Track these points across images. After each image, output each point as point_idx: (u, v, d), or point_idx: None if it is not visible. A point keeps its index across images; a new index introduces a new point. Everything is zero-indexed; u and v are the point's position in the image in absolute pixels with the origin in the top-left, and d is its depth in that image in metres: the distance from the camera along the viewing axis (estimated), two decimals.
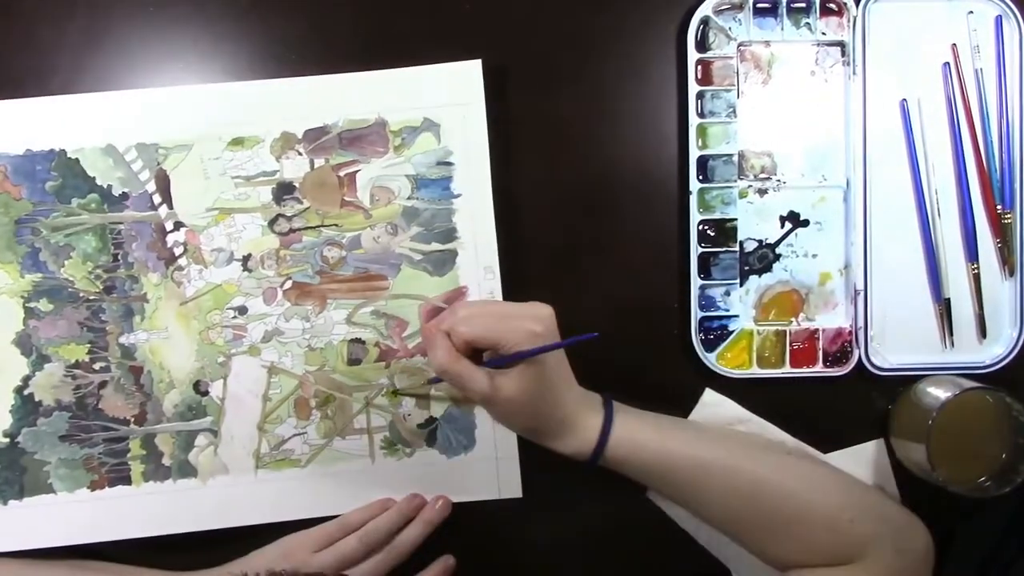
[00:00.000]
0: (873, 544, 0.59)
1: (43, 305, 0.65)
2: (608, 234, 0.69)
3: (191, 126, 0.65)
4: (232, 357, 0.66)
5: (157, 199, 0.66)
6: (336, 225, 0.66)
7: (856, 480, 0.65)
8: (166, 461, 0.66)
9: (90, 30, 0.66)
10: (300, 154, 0.66)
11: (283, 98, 0.66)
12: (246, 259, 0.66)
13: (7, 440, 0.65)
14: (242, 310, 0.66)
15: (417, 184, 0.67)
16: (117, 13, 0.66)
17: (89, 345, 0.66)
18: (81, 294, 0.65)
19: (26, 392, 0.65)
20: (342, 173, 0.66)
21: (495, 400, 0.59)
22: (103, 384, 0.66)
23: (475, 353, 0.60)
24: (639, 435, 0.62)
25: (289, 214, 0.66)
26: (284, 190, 0.66)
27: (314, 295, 0.66)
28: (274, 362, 0.66)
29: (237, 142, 0.66)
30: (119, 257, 0.66)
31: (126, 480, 0.66)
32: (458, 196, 0.66)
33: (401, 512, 0.65)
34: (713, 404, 0.69)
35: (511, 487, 0.67)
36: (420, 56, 0.66)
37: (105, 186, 0.65)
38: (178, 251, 0.66)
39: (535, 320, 0.58)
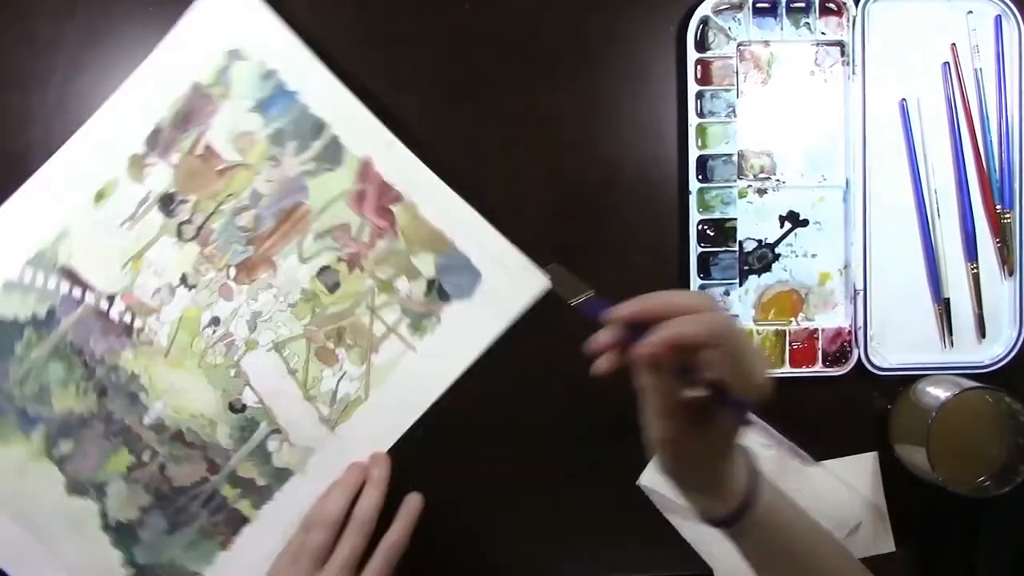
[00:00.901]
0: None
1: (65, 448, 0.66)
2: (607, 234, 0.69)
3: (55, 218, 0.65)
4: (239, 363, 0.66)
5: (77, 292, 0.65)
6: (230, 195, 0.66)
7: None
8: (260, 482, 0.66)
9: (89, 29, 0.66)
10: (154, 163, 0.65)
11: (106, 133, 0.65)
12: (184, 279, 0.66)
13: (134, 569, 0.66)
14: (215, 321, 0.66)
15: (262, 109, 0.66)
16: (116, 12, 0.66)
17: (125, 448, 0.66)
18: (85, 414, 0.66)
19: (112, 523, 0.66)
20: (199, 152, 0.66)
21: (668, 447, 0.49)
22: (162, 467, 0.66)
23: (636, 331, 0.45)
24: (779, 500, 0.53)
25: (186, 216, 0.66)
26: (167, 202, 0.66)
27: (259, 264, 0.66)
28: (274, 340, 0.66)
29: (100, 196, 0.65)
30: (88, 361, 0.65)
31: (243, 520, 0.67)
32: (296, 92, 0.65)
33: (348, 485, 0.64)
34: None
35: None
36: (419, 57, 0.66)
37: (31, 317, 0.65)
38: (127, 318, 0.66)
39: (766, 368, 0.46)
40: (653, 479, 0.68)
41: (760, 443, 0.68)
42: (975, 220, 0.69)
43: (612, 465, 0.68)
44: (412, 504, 0.65)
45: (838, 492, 0.68)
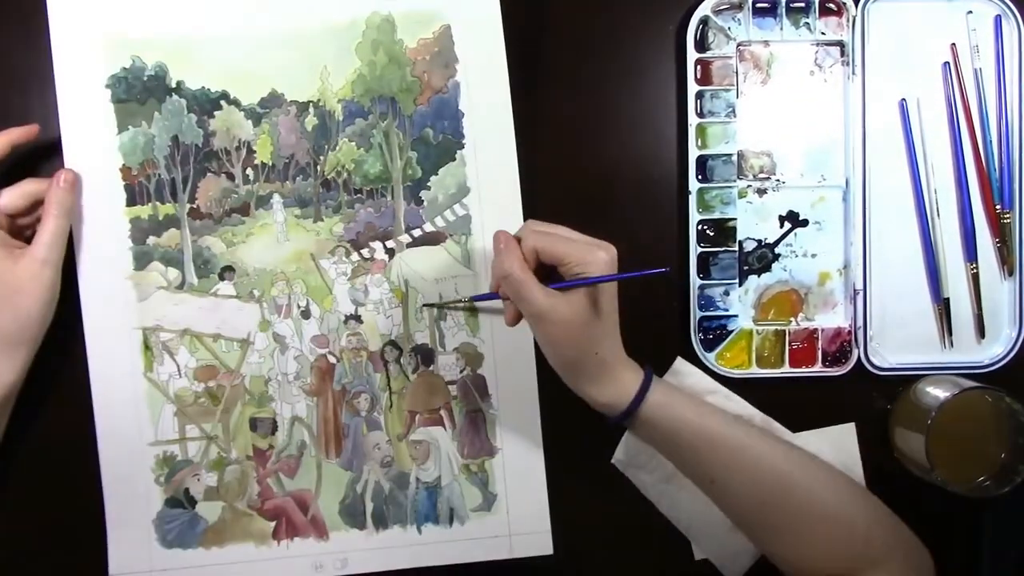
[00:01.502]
0: (885, 556, 0.59)
1: None
2: (608, 234, 0.69)
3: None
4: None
5: None
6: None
7: (869, 492, 0.64)
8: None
9: None
10: None
11: None
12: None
13: None
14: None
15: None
16: None
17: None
18: None
19: None
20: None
21: (548, 319, 0.57)
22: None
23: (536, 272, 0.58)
24: (676, 402, 0.60)
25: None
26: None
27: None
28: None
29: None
30: None
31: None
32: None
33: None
34: (683, 373, 0.69)
35: None
36: None
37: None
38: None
39: (605, 249, 0.57)
40: (627, 454, 0.68)
41: (705, 390, 0.68)
42: (975, 220, 0.69)
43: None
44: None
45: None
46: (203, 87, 0.66)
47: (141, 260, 0.66)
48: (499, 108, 0.67)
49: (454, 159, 0.67)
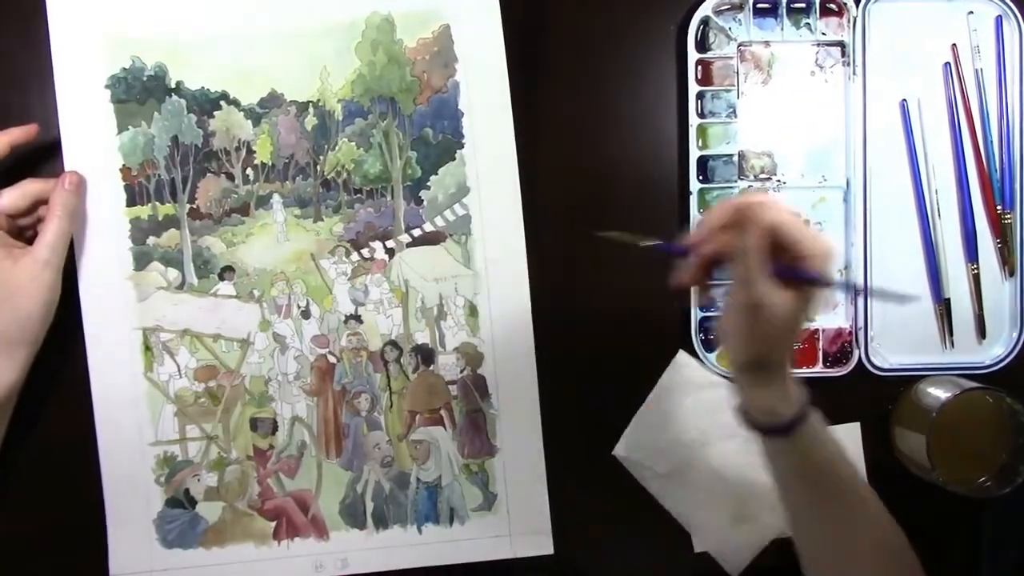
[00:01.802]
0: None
1: None
2: None
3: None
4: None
5: None
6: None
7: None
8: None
9: None
10: None
11: None
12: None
13: None
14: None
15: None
16: None
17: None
18: None
19: None
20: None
21: (762, 310, 0.52)
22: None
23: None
24: (825, 430, 0.57)
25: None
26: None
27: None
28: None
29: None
30: None
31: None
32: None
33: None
34: (685, 366, 0.69)
35: None
36: None
37: None
38: None
39: (831, 249, 0.52)
40: (628, 448, 0.68)
41: (707, 382, 0.68)
42: (975, 220, 0.69)
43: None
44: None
45: None
46: (203, 87, 0.66)
47: (141, 260, 0.66)
48: (499, 108, 0.67)
49: (454, 159, 0.67)
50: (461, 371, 0.68)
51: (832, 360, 0.69)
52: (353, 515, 0.68)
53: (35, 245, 0.61)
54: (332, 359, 0.68)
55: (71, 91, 0.65)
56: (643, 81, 0.69)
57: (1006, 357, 0.69)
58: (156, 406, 0.66)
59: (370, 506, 0.68)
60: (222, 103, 0.66)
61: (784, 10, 0.68)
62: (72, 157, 0.65)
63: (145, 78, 0.66)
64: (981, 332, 0.70)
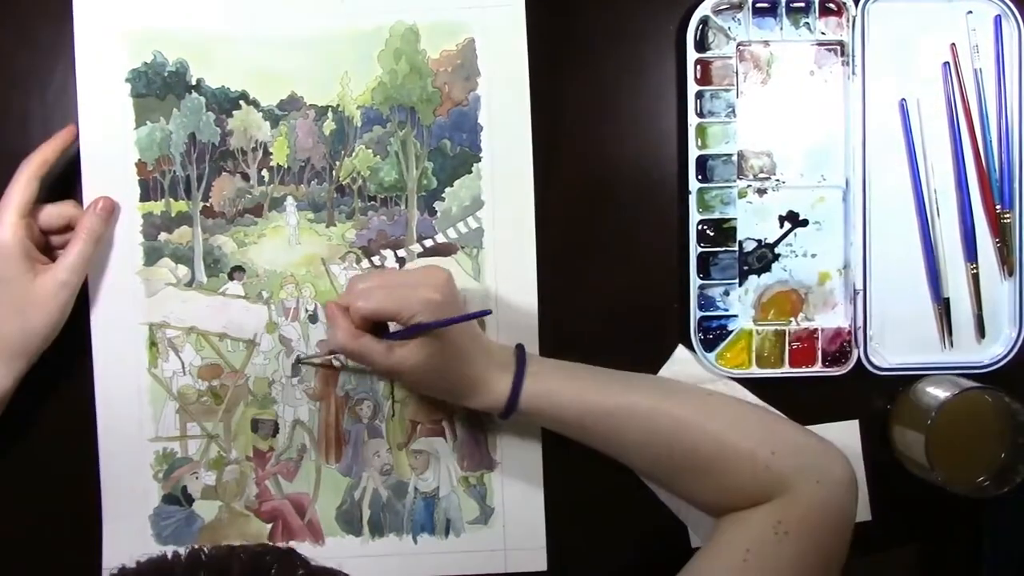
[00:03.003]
0: (794, 478, 0.58)
1: None
2: (607, 234, 0.69)
3: None
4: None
5: None
6: None
7: (776, 416, 0.65)
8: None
9: None
10: None
11: None
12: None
13: None
14: None
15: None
16: None
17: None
18: None
19: None
20: None
21: (401, 370, 0.58)
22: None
23: (377, 325, 0.59)
24: (553, 386, 0.61)
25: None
26: None
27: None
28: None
29: None
30: None
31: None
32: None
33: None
34: (683, 361, 0.69)
35: None
36: None
37: None
38: None
39: (433, 288, 0.57)
40: None
41: (707, 377, 0.68)
42: (975, 220, 0.69)
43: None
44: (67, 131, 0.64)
45: None
46: (223, 86, 0.66)
47: (151, 256, 0.66)
48: (518, 123, 0.67)
49: (470, 172, 0.67)
50: None
51: (831, 359, 0.69)
52: (349, 521, 0.68)
53: (56, 264, 0.61)
54: (337, 364, 0.67)
55: (91, 83, 0.65)
56: (642, 81, 0.69)
57: (1005, 356, 0.69)
58: (158, 402, 0.67)
59: (367, 513, 0.68)
60: (241, 103, 0.66)
61: (783, 10, 0.68)
62: (88, 149, 0.65)
63: (166, 74, 0.66)
64: (980, 332, 0.70)
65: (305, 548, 0.67)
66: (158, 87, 0.66)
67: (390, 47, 0.66)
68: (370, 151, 0.67)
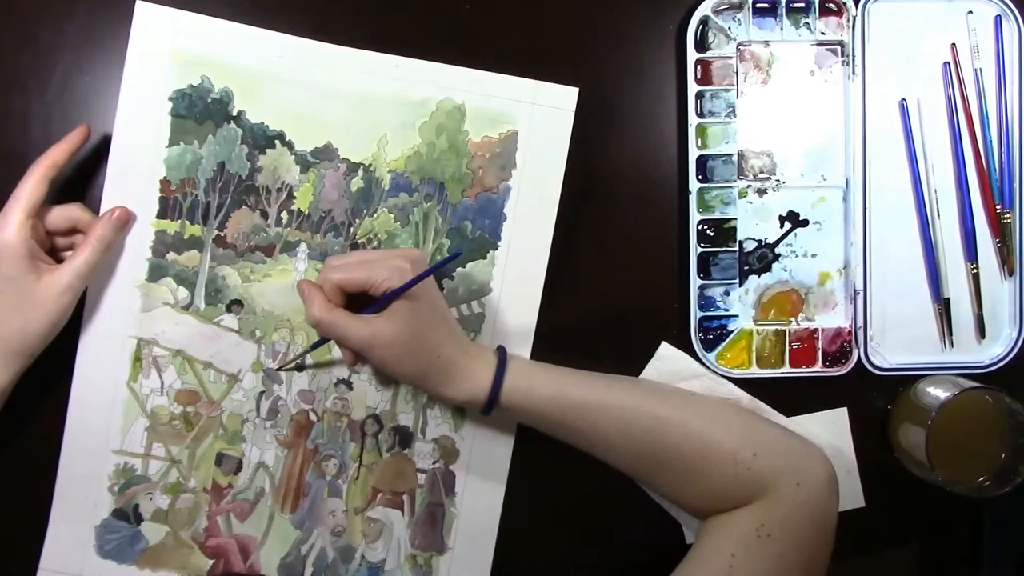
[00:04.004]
0: (775, 479, 0.58)
1: None
2: (608, 234, 0.69)
3: None
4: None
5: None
6: None
7: (759, 417, 0.65)
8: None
9: (89, 30, 0.66)
10: None
11: None
12: None
13: None
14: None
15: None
16: (116, 13, 0.66)
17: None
18: None
19: None
20: None
21: (374, 345, 0.58)
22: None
23: (351, 305, 0.60)
24: (535, 381, 0.61)
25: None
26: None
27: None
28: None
29: None
30: None
31: None
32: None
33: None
34: (668, 358, 0.69)
35: None
36: (419, 57, 0.66)
37: None
38: None
39: (403, 258, 0.59)
40: None
41: (692, 373, 0.68)
42: (975, 220, 0.69)
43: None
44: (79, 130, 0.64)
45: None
46: (262, 122, 0.66)
47: (155, 273, 0.66)
48: (544, 220, 0.67)
49: (484, 258, 0.67)
50: (434, 462, 0.68)
51: (831, 359, 0.69)
52: (291, 574, 0.67)
53: (63, 267, 0.61)
54: (313, 417, 0.67)
55: (134, 94, 0.65)
56: (642, 81, 0.69)
57: (1005, 356, 0.69)
58: (130, 416, 0.66)
59: (309, 570, 0.67)
60: (277, 142, 0.66)
61: (783, 10, 0.68)
62: (117, 158, 0.65)
63: (209, 100, 0.66)
64: (980, 332, 0.70)
65: None
66: (199, 111, 0.66)
67: (434, 120, 0.67)
68: (391, 216, 0.67)
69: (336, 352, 0.67)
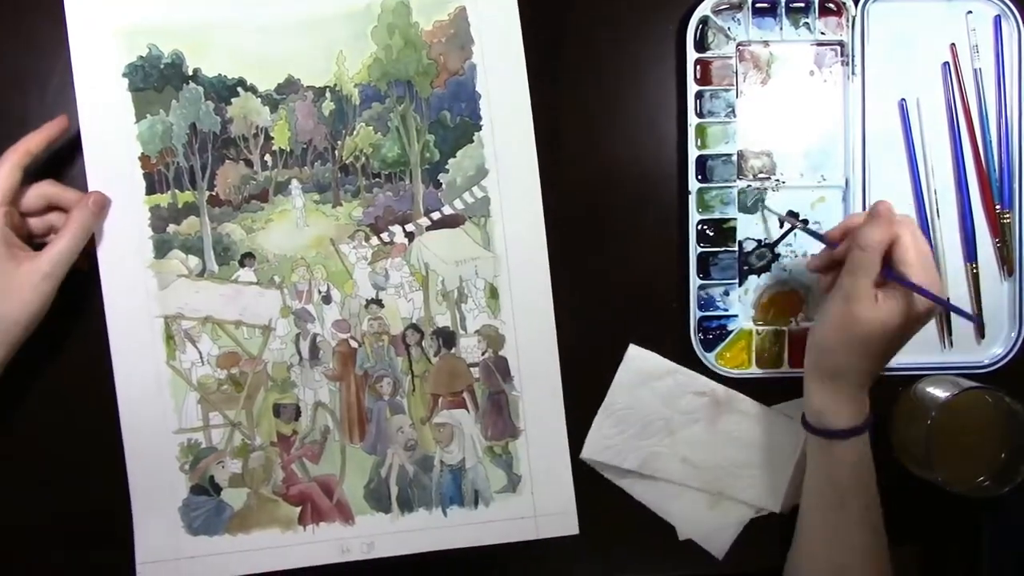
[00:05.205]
0: None
1: None
2: (607, 234, 0.69)
3: None
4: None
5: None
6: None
7: None
8: None
9: None
10: None
11: None
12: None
13: None
14: None
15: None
16: None
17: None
18: None
19: None
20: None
21: (865, 308, 0.56)
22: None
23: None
24: (868, 455, 0.61)
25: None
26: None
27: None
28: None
29: None
30: None
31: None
32: None
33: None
34: (638, 358, 0.69)
35: None
36: None
37: None
38: None
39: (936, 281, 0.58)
40: (592, 451, 0.68)
41: (694, 392, 0.68)
42: (975, 220, 0.69)
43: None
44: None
45: (776, 427, 0.69)
46: (220, 74, 0.66)
47: (161, 248, 0.66)
48: (516, 89, 0.67)
49: (472, 141, 0.67)
50: (483, 353, 0.68)
51: None
52: (378, 499, 0.68)
53: (42, 255, 0.61)
54: (354, 344, 0.68)
55: (89, 80, 0.65)
56: (642, 81, 0.69)
57: (1005, 356, 0.69)
58: (179, 394, 0.67)
59: (395, 490, 0.68)
60: (239, 89, 0.66)
61: (783, 10, 0.68)
62: (91, 147, 0.65)
63: (162, 66, 0.66)
64: (980, 332, 0.70)
65: (335, 528, 0.67)
66: (155, 80, 0.66)
67: (383, 22, 0.66)
68: (371, 128, 0.67)
69: (388, 317, 0.67)
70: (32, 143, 0.62)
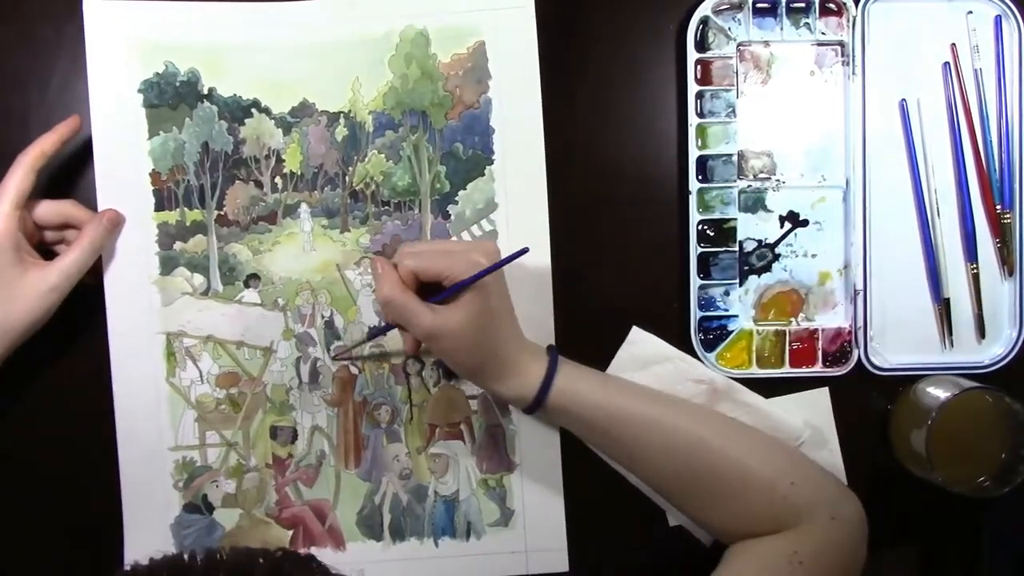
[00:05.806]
0: (809, 511, 0.59)
1: None
2: (608, 234, 0.69)
3: None
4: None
5: None
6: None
7: (799, 452, 0.66)
8: None
9: None
10: None
11: None
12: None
13: None
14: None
15: None
16: None
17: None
18: None
19: None
20: None
21: (440, 334, 0.57)
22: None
23: (420, 291, 0.59)
24: (583, 385, 0.61)
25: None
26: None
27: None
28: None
29: None
30: None
31: None
32: None
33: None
34: (640, 341, 0.68)
35: None
36: None
37: None
38: None
39: (480, 252, 0.58)
40: None
41: (693, 379, 0.68)
42: (975, 220, 0.69)
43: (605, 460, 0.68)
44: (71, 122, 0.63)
45: (775, 417, 0.68)
46: (235, 94, 0.66)
47: (167, 265, 0.66)
48: (530, 125, 0.67)
49: (483, 175, 0.67)
50: None
51: (831, 360, 0.69)
52: (370, 526, 0.68)
53: (51, 266, 0.61)
54: (354, 370, 0.68)
55: (104, 95, 0.65)
56: (642, 81, 0.69)
57: (1005, 357, 0.69)
58: (177, 411, 0.67)
59: (387, 518, 0.68)
60: (253, 111, 0.66)
61: (783, 10, 0.68)
62: (102, 160, 0.65)
63: (178, 83, 0.66)
64: (980, 332, 0.70)
65: (326, 554, 0.67)
66: (170, 97, 0.66)
67: (400, 52, 0.66)
68: (383, 156, 0.67)
69: (390, 344, 0.67)
70: (46, 144, 0.62)
